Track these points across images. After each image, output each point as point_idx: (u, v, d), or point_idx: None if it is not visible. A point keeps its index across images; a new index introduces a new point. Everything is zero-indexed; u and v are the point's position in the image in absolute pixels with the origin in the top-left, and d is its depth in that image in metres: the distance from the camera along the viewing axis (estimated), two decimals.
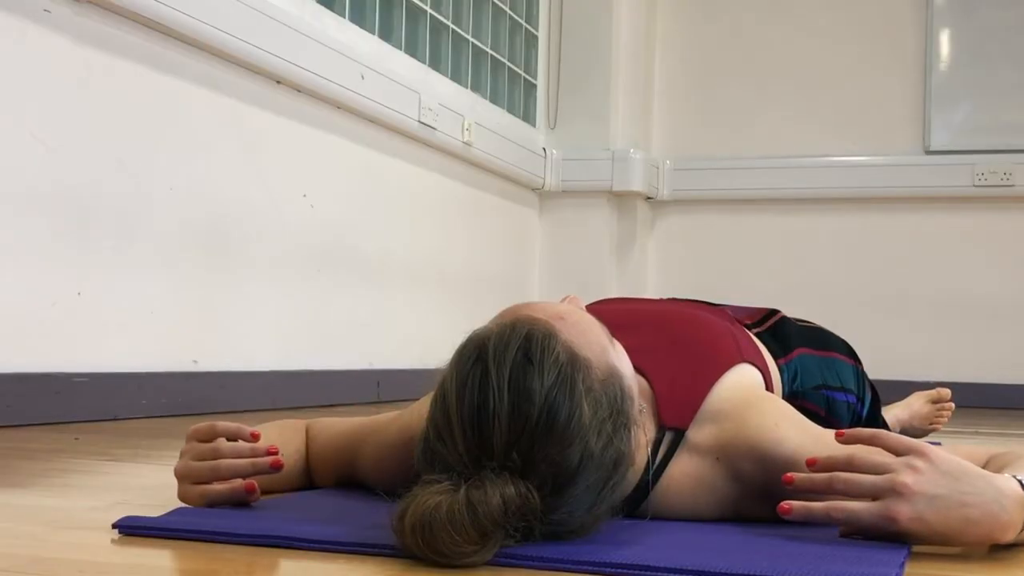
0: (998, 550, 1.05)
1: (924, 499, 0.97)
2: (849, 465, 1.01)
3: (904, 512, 0.97)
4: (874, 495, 0.99)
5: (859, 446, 1.04)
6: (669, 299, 1.79)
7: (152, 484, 1.45)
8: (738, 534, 1.05)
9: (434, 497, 0.88)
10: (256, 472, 1.14)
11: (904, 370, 4.40)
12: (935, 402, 2.31)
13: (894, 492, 0.97)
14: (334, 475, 1.34)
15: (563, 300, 1.12)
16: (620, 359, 1.05)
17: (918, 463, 0.98)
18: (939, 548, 1.03)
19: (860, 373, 1.72)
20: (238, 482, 1.13)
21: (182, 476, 1.17)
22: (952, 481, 0.97)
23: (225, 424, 1.18)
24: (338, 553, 0.94)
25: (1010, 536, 0.99)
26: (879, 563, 0.91)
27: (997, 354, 4.63)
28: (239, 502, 1.14)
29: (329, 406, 3.08)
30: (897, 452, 1.01)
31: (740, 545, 0.99)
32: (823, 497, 1.02)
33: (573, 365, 0.96)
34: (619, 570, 0.88)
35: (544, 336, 0.96)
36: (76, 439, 2.00)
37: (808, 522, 1.01)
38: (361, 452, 1.31)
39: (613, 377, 1.00)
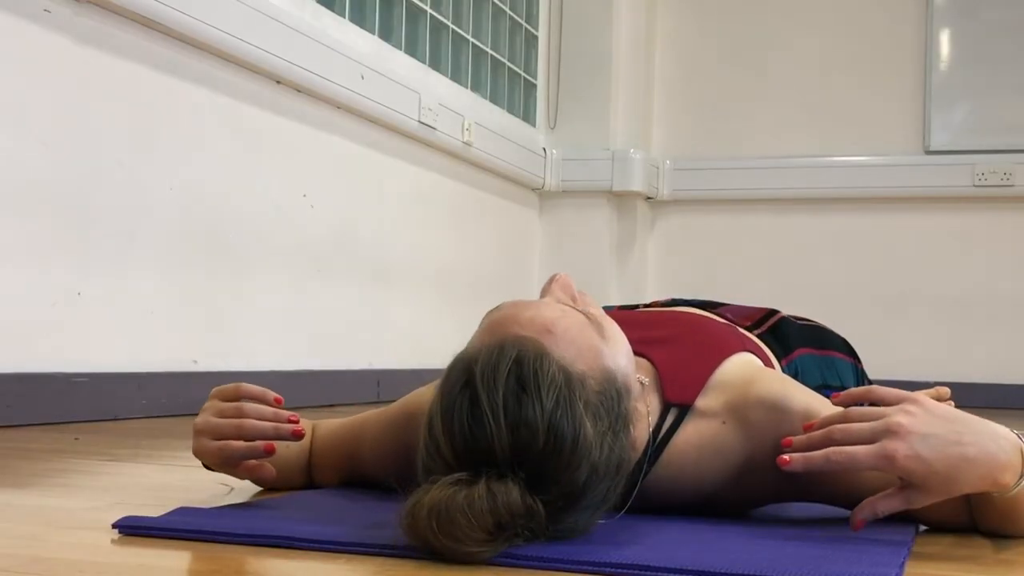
0: (1003, 550, 1.05)
1: (919, 437, 0.98)
2: (845, 418, 1.02)
3: (900, 449, 0.98)
4: (871, 439, 1.00)
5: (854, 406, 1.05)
6: (669, 300, 1.79)
7: (152, 484, 1.45)
8: (738, 534, 1.05)
9: (451, 487, 0.88)
10: (277, 437, 1.13)
11: (904, 370, 4.40)
12: None
13: (889, 432, 0.99)
14: (336, 471, 1.34)
15: (551, 280, 1.09)
16: (613, 349, 1.03)
17: (911, 408, 1.00)
18: (938, 548, 1.04)
19: (860, 372, 1.72)
20: (258, 442, 1.12)
21: (202, 431, 1.16)
22: (947, 422, 0.99)
23: (250, 386, 1.17)
24: (338, 553, 0.94)
25: (1009, 478, 1.00)
26: (879, 563, 0.91)
27: (997, 354, 4.63)
28: (255, 466, 1.13)
29: (329, 406, 3.08)
30: (891, 403, 1.02)
31: (740, 545, 0.99)
32: None
33: (569, 385, 0.94)
34: (619, 570, 0.88)
35: (535, 358, 0.94)
36: (76, 439, 2.00)
37: (809, 472, 1.02)
38: (361, 440, 1.31)
39: (609, 381, 0.99)
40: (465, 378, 0.93)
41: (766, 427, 1.11)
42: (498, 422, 0.90)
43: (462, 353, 0.98)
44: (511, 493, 0.88)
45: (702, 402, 1.15)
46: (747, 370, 1.19)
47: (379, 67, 3.43)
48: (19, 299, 2.24)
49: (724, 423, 1.13)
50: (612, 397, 0.99)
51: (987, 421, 1.01)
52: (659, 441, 1.12)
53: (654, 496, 1.11)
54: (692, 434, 1.13)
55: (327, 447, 1.34)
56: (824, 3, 4.97)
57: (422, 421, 0.97)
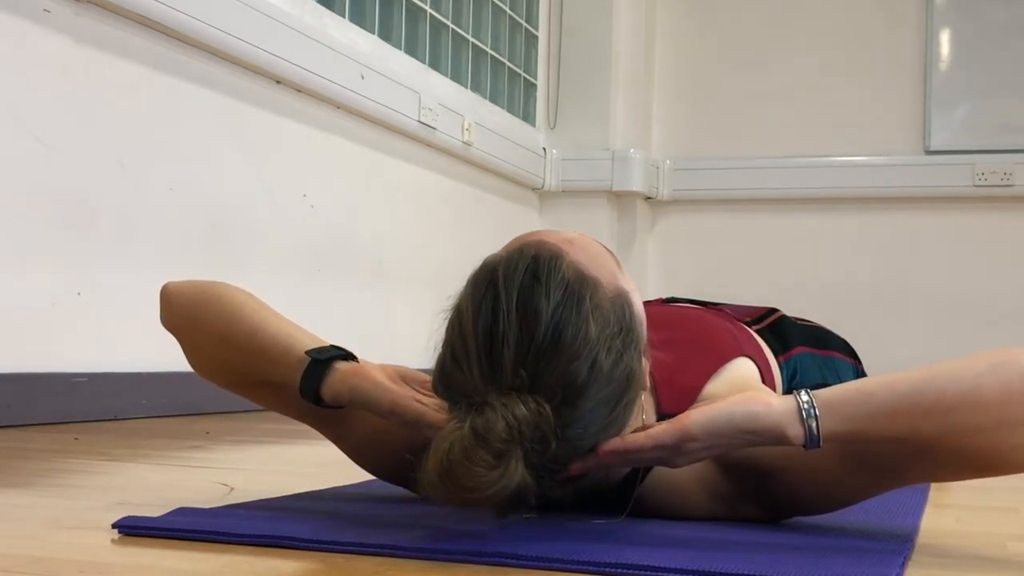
0: (1003, 550, 1.05)
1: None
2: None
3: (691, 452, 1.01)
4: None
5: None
6: (668, 298, 1.79)
7: (152, 484, 1.45)
8: (738, 534, 1.05)
9: (445, 441, 0.91)
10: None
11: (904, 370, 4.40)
12: None
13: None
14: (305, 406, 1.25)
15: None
16: (630, 285, 1.08)
17: (690, 445, 1.00)
18: (939, 549, 1.04)
19: (860, 372, 1.72)
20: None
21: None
22: (720, 439, 1.00)
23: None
24: (338, 553, 0.94)
25: (794, 432, 0.99)
26: (879, 563, 0.91)
27: None
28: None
29: None
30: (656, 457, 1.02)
31: (740, 545, 0.99)
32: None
33: (581, 283, 0.98)
34: (619, 570, 0.88)
35: (551, 257, 0.99)
36: (76, 439, 2.00)
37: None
38: (358, 413, 1.24)
39: (621, 296, 1.03)
40: (489, 278, 0.98)
41: (746, 473, 1.11)
42: (510, 315, 0.95)
43: (487, 258, 1.02)
44: (498, 423, 0.90)
45: None
46: (735, 391, 1.18)
47: (379, 67, 3.43)
48: (19, 299, 2.24)
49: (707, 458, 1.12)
50: (623, 309, 1.02)
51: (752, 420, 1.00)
52: None
53: (648, 509, 1.11)
54: None
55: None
56: (824, 3, 4.97)
57: (448, 322, 1.00)
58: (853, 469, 1.05)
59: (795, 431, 0.99)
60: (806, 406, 0.99)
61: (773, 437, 0.99)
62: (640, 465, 1.05)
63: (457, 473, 0.89)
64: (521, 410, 0.92)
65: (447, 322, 1.01)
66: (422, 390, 1.11)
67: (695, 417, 1.00)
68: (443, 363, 0.99)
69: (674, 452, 1.01)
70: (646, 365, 1.05)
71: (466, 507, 0.91)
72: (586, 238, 1.07)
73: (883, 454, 1.03)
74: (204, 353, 1.30)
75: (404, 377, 1.13)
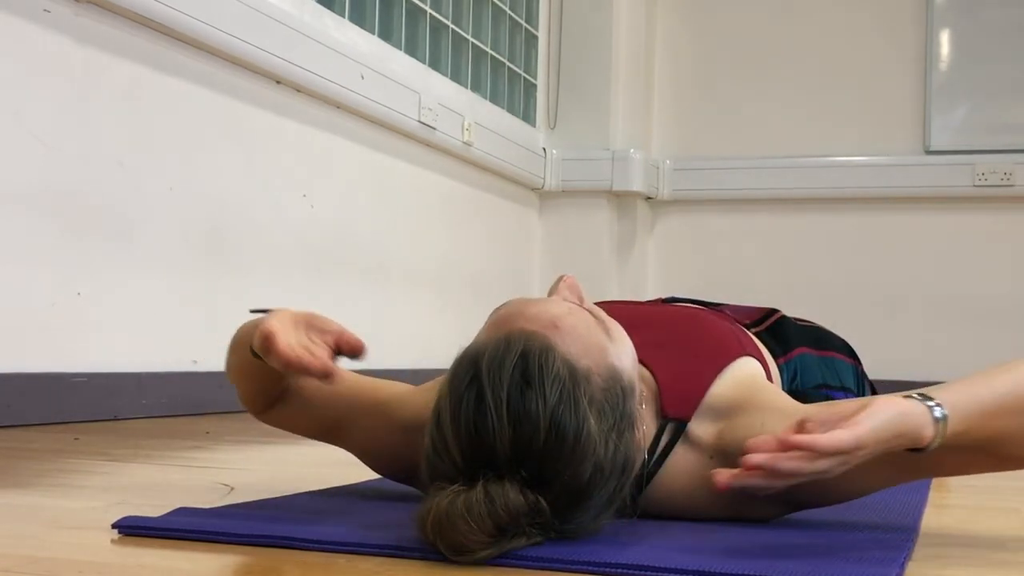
0: (1001, 549, 1.05)
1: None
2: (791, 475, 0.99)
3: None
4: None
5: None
6: (668, 298, 1.79)
7: (152, 484, 1.45)
8: (738, 534, 1.05)
9: (452, 495, 0.89)
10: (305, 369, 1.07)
11: (904, 370, 4.40)
12: None
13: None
14: (316, 421, 1.29)
15: (558, 281, 1.10)
16: (619, 349, 1.04)
17: (847, 461, 0.98)
18: (938, 548, 1.04)
19: (860, 373, 1.72)
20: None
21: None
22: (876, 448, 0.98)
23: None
24: (338, 553, 0.94)
25: (928, 433, 0.98)
26: (879, 563, 0.91)
27: (997, 354, 4.58)
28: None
29: None
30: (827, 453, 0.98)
31: (740, 545, 0.99)
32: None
33: (574, 379, 0.94)
34: (619, 570, 0.88)
35: (541, 352, 0.94)
36: (76, 439, 2.00)
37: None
38: (358, 418, 1.26)
39: (614, 379, 1.00)
40: (472, 372, 0.94)
41: None
42: (500, 417, 0.91)
43: (469, 348, 0.98)
44: (508, 494, 0.89)
45: (695, 426, 1.14)
46: (739, 392, 1.17)
47: (379, 67, 3.43)
48: (19, 299, 2.24)
49: (712, 458, 1.12)
50: (617, 395, 0.99)
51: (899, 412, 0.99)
52: (657, 457, 1.12)
53: (649, 511, 1.11)
54: (685, 460, 1.13)
55: (327, 394, 1.27)
56: (824, 3, 4.97)
57: (429, 417, 0.97)
58: (878, 467, 1.04)
59: (929, 432, 0.99)
60: (932, 405, 0.99)
61: (911, 441, 0.98)
62: (807, 479, 0.97)
63: (454, 525, 0.87)
64: (521, 500, 0.89)
65: (431, 416, 0.96)
66: (318, 338, 1.09)
67: (867, 425, 0.96)
68: (428, 455, 0.95)
69: (846, 460, 0.96)
70: (639, 439, 1.03)
71: (441, 554, 0.89)
72: (573, 315, 1.01)
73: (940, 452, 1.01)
74: (237, 380, 1.38)
75: (310, 322, 1.11)
